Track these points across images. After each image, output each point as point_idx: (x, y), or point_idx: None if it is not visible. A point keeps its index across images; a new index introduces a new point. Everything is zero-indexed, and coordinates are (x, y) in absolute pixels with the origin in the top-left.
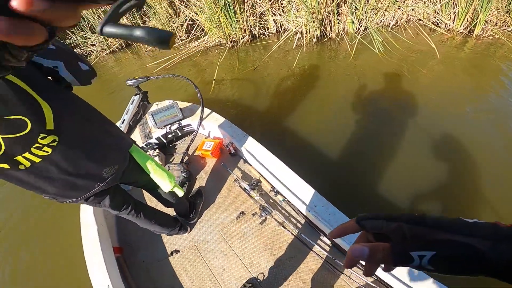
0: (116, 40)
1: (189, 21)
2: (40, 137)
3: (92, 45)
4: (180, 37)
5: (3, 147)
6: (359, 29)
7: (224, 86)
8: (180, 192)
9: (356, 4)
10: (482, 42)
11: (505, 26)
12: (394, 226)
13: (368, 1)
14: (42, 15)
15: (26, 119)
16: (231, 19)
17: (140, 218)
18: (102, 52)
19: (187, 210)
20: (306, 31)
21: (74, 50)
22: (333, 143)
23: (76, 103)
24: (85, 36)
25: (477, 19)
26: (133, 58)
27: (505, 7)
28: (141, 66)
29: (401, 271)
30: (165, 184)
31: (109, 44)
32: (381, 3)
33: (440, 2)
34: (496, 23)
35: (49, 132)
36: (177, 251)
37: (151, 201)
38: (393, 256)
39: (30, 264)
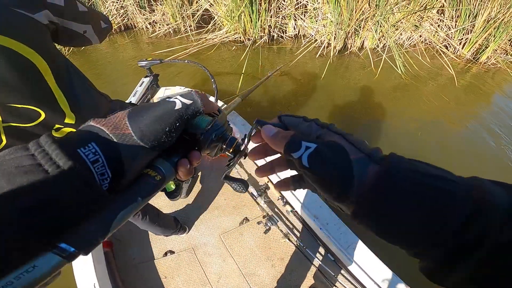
0: (116, 18)
1: (202, 11)
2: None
3: None
4: (190, 26)
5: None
6: (378, 45)
7: (246, 81)
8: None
9: (382, 20)
10: (485, 68)
11: (504, 55)
12: (306, 124)
13: (388, 19)
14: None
15: (39, 109)
16: (255, 16)
17: (144, 221)
18: None
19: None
20: (329, 42)
21: None
22: None
23: None
24: None
25: (486, 47)
26: (131, 44)
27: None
28: (138, 54)
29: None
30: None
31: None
32: (401, 23)
33: (455, 27)
34: (496, 50)
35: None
36: (171, 252)
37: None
38: (289, 139)
39: None
